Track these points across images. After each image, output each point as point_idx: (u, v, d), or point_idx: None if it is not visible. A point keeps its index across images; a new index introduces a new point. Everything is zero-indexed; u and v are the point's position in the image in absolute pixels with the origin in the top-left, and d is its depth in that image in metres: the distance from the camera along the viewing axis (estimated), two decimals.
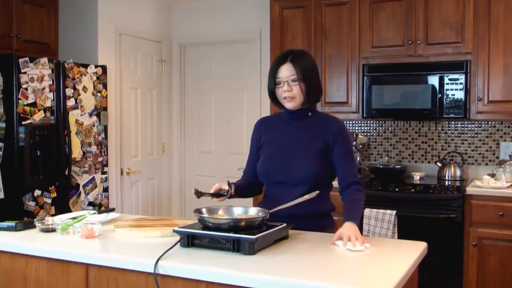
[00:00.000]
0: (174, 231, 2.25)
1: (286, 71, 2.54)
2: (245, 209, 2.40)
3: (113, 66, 5.18)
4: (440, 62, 4.45)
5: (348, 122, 5.18)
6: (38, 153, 4.17)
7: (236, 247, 2.10)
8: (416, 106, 4.53)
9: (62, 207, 4.32)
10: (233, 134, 5.90)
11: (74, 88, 4.46)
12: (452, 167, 4.59)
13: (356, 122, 5.16)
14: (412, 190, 4.28)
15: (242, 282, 1.87)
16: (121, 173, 5.36)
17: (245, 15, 5.68)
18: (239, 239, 2.09)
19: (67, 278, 2.26)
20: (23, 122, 4.04)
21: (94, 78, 4.67)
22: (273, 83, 2.58)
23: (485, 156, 4.74)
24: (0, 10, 4.29)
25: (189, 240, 2.19)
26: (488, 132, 4.72)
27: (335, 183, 2.68)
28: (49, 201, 4.24)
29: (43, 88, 4.19)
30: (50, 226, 2.56)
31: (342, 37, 4.81)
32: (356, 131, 5.16)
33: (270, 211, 2.32)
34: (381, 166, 4.83)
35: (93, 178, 4.66)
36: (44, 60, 4.21)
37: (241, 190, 2.65)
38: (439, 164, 4.69)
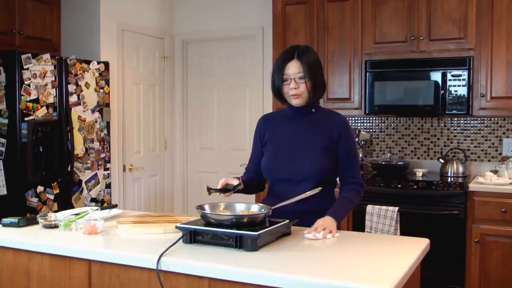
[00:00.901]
0: (177, 227, 2.25)
1: (294, 68, 2.53)
2: (248, 206, 2.40)
3: (116, 62, 5.17)
4: (443, 58, 4.44)
5: (350, 118, 5.17)
6: (41, 149, 4.17)
7: (238, 243, 2.10)
8: (418, 102, 4.53)
9: (64, 203, 4.32)
10: (235, 131, 5.89)
11: (77, 84, 4.46)
12: (454, 163, 4.58)
13: (359, 118, 5.15)
14: (415, 187, 4.27)
15: (244, 278, 1.87)
16: (124, 169, 5.36)
17: (248, 11, 5.67)
18: (241, 236, 2.09)
19: (70, 274, 2.26)
20: (25, 118, 4.04)
21: (97, 74, 4.67)
22: (280, 80, 2.56)
23: (487, 153, 4.74)
24: (3, 6, 4.29)
25: (192, 237, 2.19)
26: (490, 129, 4.72)
27: None
28: (52, 197, 4.25)
29: (46, 84, 4.19)
30: (53, 222, 2.56)
31: (345, 33, 4.80)
32: (359, 127, 5.16)
33: (273, 207, 2.33)
34: (383, 163, 4.83)
35: (96, 174, 4.67)
36: (47, 56, 4.21)
37: (245, 186, 2.65)
38: (442, 161, 4.68)
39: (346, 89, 4.82)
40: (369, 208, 4.24)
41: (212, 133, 6.05)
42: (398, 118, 5.03)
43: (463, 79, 4.34)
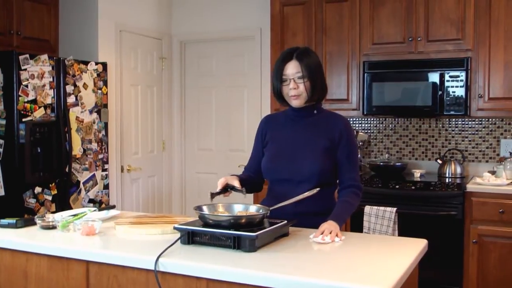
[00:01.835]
0: (175, 228, 2.25)
1: (292, 68, 2.53)
2: (246, 206, 2.40)
3: (114, 63, 5.17)
4: (441, 59, 4.44)
5: (348, 119, 5.16)
6: (39, 150, 4.17)
7: (236, 244, 2.10)
8: (416, 103, 4.53)
9: (62, 204, 4.32)
10: (233, 132, 5.89)
11: (75, 85, 4.45)
12: (452, 164, 4.59)
13: (357, 119, 5.16)
14: (413, 187, 4.28)
15: (242, 279, 1.87)
16: (122, 170, 5.35)
17: (246, 12, 5.68)
18: (239, 236, 2.09)
19: (68, 275, 2.26)
20: (23, 119, 4.04)
21: (95, 75, 4.67)
22: (279, 80, 2.57)
23: (485, 153, 4.74)
24: (0, 7, 4.28)
25: (190, 237, 2.19)
26: (488, 129, 4.72)
27: None
28: (50, 198, 4.24)
29: (44, 85, 4.19)
30: (51, 223, 2.56)
31: (343, 34, 4.80)
32: (357, 128, 5.16)
33: (271, 208, 2.33)
34: (381, 163, 4.83)
35: (94, 175, 4.66)
36: (45, 57, 4.21)
37: (243, 185, 2.65)
38: (440, 161, 4.69)
39: (344, 90, 4.83)
40: (367, 208, 4.24)
41: (210, 134, 6.05)
42: (396, 119, 5.03)
43: (461, 80, 4.35)
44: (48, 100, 4.24)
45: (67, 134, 4.36)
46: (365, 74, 4.67)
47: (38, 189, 4.16)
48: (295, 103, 2.59)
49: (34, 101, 4.11)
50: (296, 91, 2.54)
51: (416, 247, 2.23)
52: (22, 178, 4.06)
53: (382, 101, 4.65)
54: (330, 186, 2.64)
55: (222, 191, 2.50)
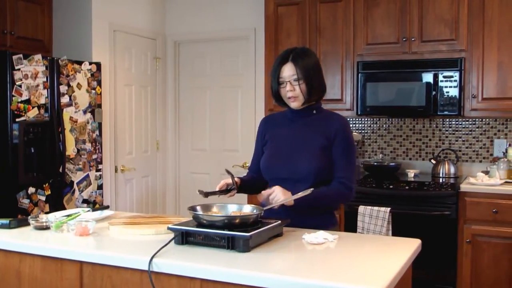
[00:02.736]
0: (169, 228, 2.25)
1: (288, 71, 2.55)
2: (240, 207, 2.40)
3: (108, 63, 5.16)
4: (435, 59, 4.46)
5: None
6: (32, 150, 4.16)
7: (230, 244, 2.09)
8: (410, 103, 4.54)
9: (56, 204, 4.31)
10: (227, 132, 5.89)
11: (68, 85, 4.44)
12: (446, 164, 4.60)
13: (351, 119, 5.16)
14: (406, 187, 4.29)
15: (236, 279, 1.87)
16: (116, 171, 5.35)
17: (240, 12, 5.68)
18: (233, 236, 2.09)
19: (61, 276, 2.25)
20: (17, 119, 4.03)
21: (89, 75, 4.66)
22: (276, 83, 2.59)
23: (479, 153, 4.76)
24: None
25: (184, 238, 2.19)
26: (482, 129, 4.74)
27: None
28: (43, 198, 4.23)
29: (37, 85, 4.18)
30: (44, 224, 2.55)
31: (337, 34, 4.81)
32: (351, 128, 5.16)
33: (265, 208, 2.33)
34: (375, 163, 4.84)
35: (87, 176, 4.65)
36: (38, 57, 4.20)
37: (247, 184, 2.68)
38: (433, 161, 4.70)
39: (338, 90, 4.83)
40: (361, 208, 4.25)
41: (204, 134, 6.05)
42: (390, 119, 5.04)
43: (455, 80, 4.36)
44: (42, 100, 4.23)
45: (60, 134, 4.35)
46: (359, 74, 4.68)
47: (31, 190, 4.15)
48: (294, 104, 2.60)
49: (27, 101, 4.10)
50: (293, 93, 2.56)
51: (409, 247, 2.24)
52: (16, 178, 4.05)
53: (376, 101, 4.66)
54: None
55: (220, 192, 2.53)
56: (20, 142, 4.05)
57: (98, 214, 2.83)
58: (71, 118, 4.48)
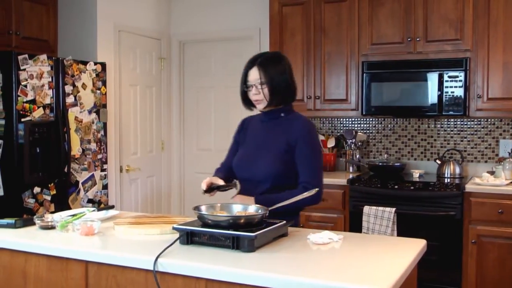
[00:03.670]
0: (174, 228, 2.25)
1: (253, 75, 2.67)
2: (245, 207, 2.40)
3: (113, 63, 5.17)
4: (440, 59, 4.45)
5: (347, 119, 5.18)
6: (38, 150, 4.16)
7: (235, 244, 2.10)
8: (415, 103, 4.53)
9: (61, 204, 4.32)
10: (232, 132, 5.78)
11: (73, 85, 4.45)
12: (451, 164, 4.59)
13: (356, 119, 5.16)
14: (412, 188, 4.28)
15: (241, 279, 1.87)
16: (121, 170, 5.35)
17: (245, 12, 5.67)
18: (238, 236, 2.09)
19: (67, 275, 2.26)
20: (22, 119, 4.03)
21: (94, 75, 4.67)
22: (244, 86, 2.72)
23: (484, 154, 4.74)
24: None
25: (189, 238, 2.19)
26: (487, 130, 4.72)
27: None
28: (49, 198, 4.24)
29: (42, 85, 4.19)
30: (50, 223, 2.56)
31: (342, 34, 4.80)
32: (356, 128, 5.16)
33: (270, 208, 2.33)
34: (380, 164, 4.83)
35: (93, 175, 4.66)
36: (43, 57, 4.21)
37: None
38: (439, 162, 4.69)
39: (343, 90, 4.83)
40: (366, 209, 4.24)
41: (209, 134, 6.05)
42: (395, 119, 5.03)
43: (460, 80, 4.35)
44: (47, 100, 4.24)
45: (66, 134, 4.36)
46: (364, 74, 4.67)
47: (37, 189, 4.15)
48: (259, 107, 2.72)
49: (33, 101, 4.11)
50: (257, 96, 2.67)
51: (415, 247, 2.23)
52: (21, 178, 4.05)
53: (381, 102, 4.65)
54: (292, 188, 2.60)
55: (209, 191, 2.56)
56: (26, 142, 4.06)
57: (103, 214, 2.83)
58: (76, 118, 4.48)
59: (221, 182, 2.59)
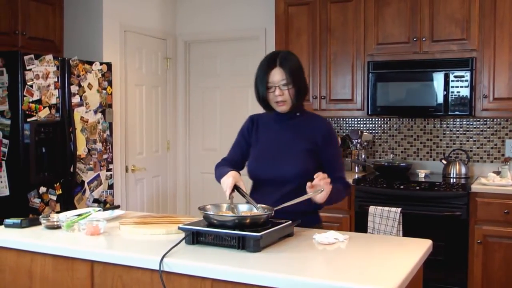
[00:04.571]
0: (179, 228, 2.25)
1: (277, 76, 2.56)
2: (250, 207, 2.40)
3: (118, 63, 5.18)
4: (446, 59, 4.43)
5: (353, 119, 5.17)
6: (43, 150, 4.18)
7: (241, 244, 2.09)
8: (421, 103, 4.52)
9: (67, 204, 4.33)
10: (238, 132, 5.87)
11: (79, 85, 4.46)
12: (457, 164, 4.58)
13: (361, 119, 5.15)
14: (417, 188, 4.27)
15: (247, 279, 1.87)
16: (126, 170, 5.36)
17: (250, 12, 5.68)
18: (244, 236, 2.09)
19: (72, 275, 2.26)
20: (28, 119, 4.05)
21: (99, 75, 4.68)
22: (265, 88, 2.60)
23: (490, 154, 4.73)
24: (5, 7, 4.29)
25: (194, 237, 2.19)
26: (493, 130, 4.71)
27: None
28: (54, 198, 4.25)
29: (48, 85, 4.20)
30: (55, 223, 2.56)
31: (347, 34, 4.80)
32: (361, 128, 5.15)
33: (275, 208, 2.33)
34: (386, 164, 4.82)
35: (98, 175, 4.67)
36: (49, 57, 4.22)
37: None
38: (444, 162, 4.68)
39: (348, 90, 4.82)
40: (372, 209, 4.24)
41: (214, 134, 6.05)
42: (401, 119, 5.02)
43: (466, 80, 4.34)
44: (53, 100, 4.25)
45: (71, 134, 4.37)
46: (370, 74, 4.66)
47: (42, 189, 4.17)
48: (281, 109, 2.62)
49: (39, 101, 4.12)
50: (282, 97, 2.58)
51: (420, 247, 2.23)
52: (27, 178, 4.07)
53: (386, 101, 4.65)
54: None
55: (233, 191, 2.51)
56: (32, 142, 4.07)
57: (109, 213, 2.84)
58: (82, 118, 4.49)
59: (242, 185, 2.46)
